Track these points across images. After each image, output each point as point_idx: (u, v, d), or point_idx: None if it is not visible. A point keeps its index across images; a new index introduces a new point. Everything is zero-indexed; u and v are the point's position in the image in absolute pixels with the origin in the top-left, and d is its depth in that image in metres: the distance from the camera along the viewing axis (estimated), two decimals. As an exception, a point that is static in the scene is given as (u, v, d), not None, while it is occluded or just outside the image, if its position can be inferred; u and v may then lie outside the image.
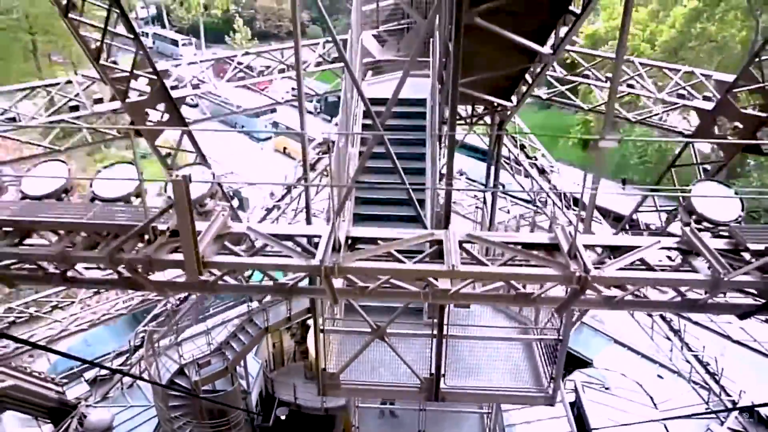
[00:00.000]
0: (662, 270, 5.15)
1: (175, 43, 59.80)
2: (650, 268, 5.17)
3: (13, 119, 9.33)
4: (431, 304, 7.26)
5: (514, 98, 10.24)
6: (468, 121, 12.12)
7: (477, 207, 13.02)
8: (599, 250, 5.25)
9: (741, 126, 9.18)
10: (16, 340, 12.57)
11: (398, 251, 5.11)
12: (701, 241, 4.98)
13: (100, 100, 10.08)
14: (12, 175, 6.25)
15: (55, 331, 12.89)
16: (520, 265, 5.02)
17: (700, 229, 5.40)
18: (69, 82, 9.55)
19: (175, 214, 4.60)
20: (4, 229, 5.38)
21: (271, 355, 19.03)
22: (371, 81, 11.16)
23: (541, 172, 14.46)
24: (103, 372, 16.61)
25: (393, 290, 5.47)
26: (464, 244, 5.30)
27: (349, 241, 5.38)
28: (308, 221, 6.77)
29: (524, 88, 10.21)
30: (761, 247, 4.91)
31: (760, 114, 8.95)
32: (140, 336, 16.76)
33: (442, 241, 5.27)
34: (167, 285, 5.37)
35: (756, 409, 14.24)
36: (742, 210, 5.49)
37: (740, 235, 5.10)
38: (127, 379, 16.73)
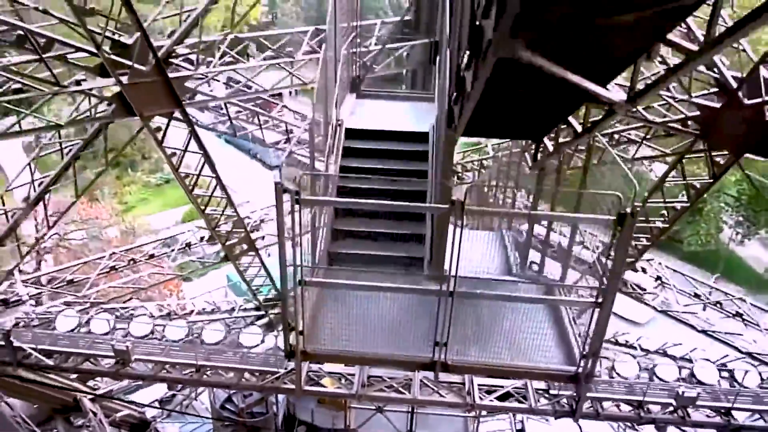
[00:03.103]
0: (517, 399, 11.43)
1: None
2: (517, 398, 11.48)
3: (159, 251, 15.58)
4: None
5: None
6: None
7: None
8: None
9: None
10: (117, 400, 18.89)
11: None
12: (532, 391, 11.27)
13: (203, 238, 16.33)
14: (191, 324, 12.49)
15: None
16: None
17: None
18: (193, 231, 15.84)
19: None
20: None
21: (291, 382, 25.43)
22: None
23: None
24: (169, 394, 22.99)
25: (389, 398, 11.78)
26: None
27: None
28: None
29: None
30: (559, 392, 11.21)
31: None
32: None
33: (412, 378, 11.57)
34: (283, 391, 11.69)
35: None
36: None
37: (554, 386, 11.39)
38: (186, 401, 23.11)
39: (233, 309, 17.17)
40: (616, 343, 15.56)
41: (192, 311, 16.27)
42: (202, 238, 16.39)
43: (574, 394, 10.82)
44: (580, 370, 5.75)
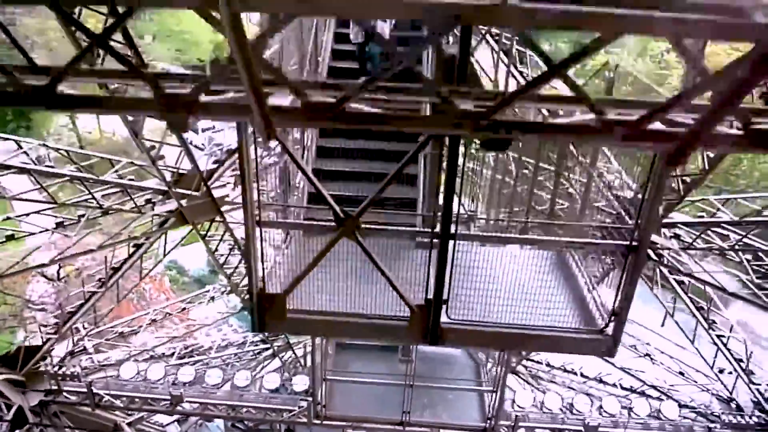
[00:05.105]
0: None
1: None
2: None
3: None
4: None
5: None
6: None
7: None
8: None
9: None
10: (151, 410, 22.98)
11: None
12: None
13: (223, 292, 20.44)
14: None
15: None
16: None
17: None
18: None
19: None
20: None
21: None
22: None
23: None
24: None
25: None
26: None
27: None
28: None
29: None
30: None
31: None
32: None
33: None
34: (299, 424, 15.92)
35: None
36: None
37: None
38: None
39: (244, 343, 21.53)
40: (565, 370, 20.15)
41: (211, 347, 20.56)
42: (223, 292, 20.55)
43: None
44: (487, 426, 10.02)
